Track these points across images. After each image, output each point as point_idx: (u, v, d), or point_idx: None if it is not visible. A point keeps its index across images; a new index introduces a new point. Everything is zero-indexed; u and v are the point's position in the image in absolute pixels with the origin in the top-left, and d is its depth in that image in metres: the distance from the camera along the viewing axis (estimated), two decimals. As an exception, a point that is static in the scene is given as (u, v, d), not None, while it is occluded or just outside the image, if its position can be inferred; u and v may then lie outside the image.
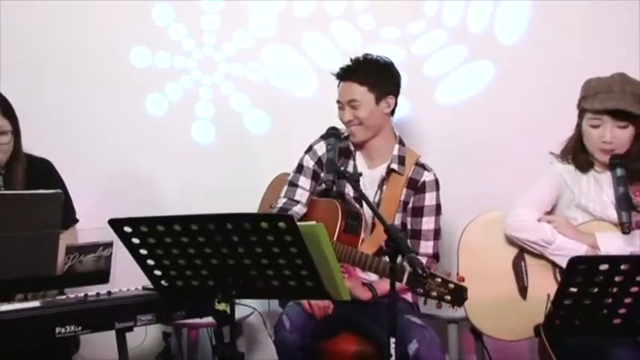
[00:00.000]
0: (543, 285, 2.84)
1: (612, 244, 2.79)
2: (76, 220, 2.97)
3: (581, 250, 2.81)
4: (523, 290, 2.93)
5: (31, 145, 2.94)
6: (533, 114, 3.59)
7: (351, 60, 3.05)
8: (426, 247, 3.02)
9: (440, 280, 2.65)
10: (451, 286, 2.64)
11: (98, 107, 3.71)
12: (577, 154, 2.93)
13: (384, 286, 2.89)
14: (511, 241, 2.96)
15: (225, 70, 3.72)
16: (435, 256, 3.04)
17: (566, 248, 2.82)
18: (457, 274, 2.86)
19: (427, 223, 3.04)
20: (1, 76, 3.51)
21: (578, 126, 2.94)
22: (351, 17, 3.67)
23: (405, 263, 2.83)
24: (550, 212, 2.97)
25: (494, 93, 3.63)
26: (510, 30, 3.62)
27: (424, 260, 2.92)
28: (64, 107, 3.69)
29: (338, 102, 3.06)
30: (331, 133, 2.95)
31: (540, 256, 2.92)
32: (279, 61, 3.71)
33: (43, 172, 2.93)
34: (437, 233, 3.06)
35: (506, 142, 3.59)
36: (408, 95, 3.63)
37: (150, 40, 3.70)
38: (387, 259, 2.57)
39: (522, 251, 2.95)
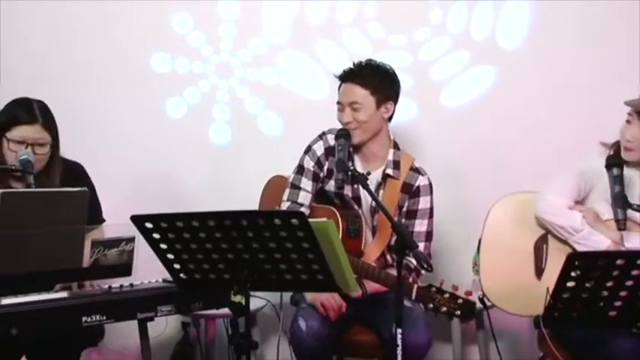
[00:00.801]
0: (559, 270, 2.82)
1: (631, 244, 2.76)
2: (103, 220, 2.98)
3: (605, 244, 2.79)
4: (539, 271, 2.91)
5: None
6: (533, 116, 3.57)
7: (354, 63, 3.02)
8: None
9: (448, 295, 2.64)
10: (460, 301, 2.63)
11: (121, 111, 3.72)
12: (618, 149, 2.87)
13: (373, 283, 2.89)
14: (538, 222, 2.93)
15: (240, 74, 3.72)
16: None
17: (591, 239, 2.81)
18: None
19: (420, 225, 3.01)
20: (30, 81, 3.54)
21: None
22: (360, 25, 3.66)
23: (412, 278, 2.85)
24: (580, 203, 2.94)
25: (496, 96, 3.61)
26: (511, 36, 3.60)
27: (414, 262, 2.85)
28: (89, 111, 3.71)
29: (338, 103, 3.01)
30: (341, 134, 2.95)
31: (563, 242, 2.89)
32: (292, 67, 3.71)
33: (76, 175, 2.94)
34: (429, 235, 3.03)
35: (508, 143, 3.58)
36: (415, 98, 3.64)
37: (170, 46, 3.71)
38: (393, 272, 2.56)
39: (547, 234, 2.93)
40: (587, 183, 2.91)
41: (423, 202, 3.02)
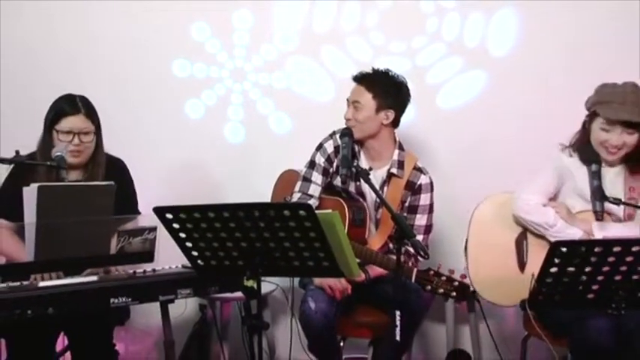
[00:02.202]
0: (540, 262, 2.81)
1: (606, 232, 2.77)
2: (139, 213, 2.99)
3: (578, 234, 2.79)
4: (522, 265, 2.92)
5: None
6: (522, 118, 3.57)
7: (372, 68, 3.03)
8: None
9: (445, 278, 2.66)
10: (455, 283, 2.65)
11: (145, 111, 3.74)
12: (583, 148, 2.87)
13: (375, 268, 2.91)
14: (517, 220, 2.94)
15: (253, 78, 3.73)
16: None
17: (564, 232, 2.81)
18: (467, 242, 2.86)
19: (420, 220, 3.02)
20: (62, 80, 3.56)
21: (586, 124, 2.87)
22: (363, 33, 3.66)
23: (412, 263, 2.86)
24: (553, 199, 2.95)
25: (487, 99, 3.61)
26: (501, 44, 3.60)
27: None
28: (115, 112, 3.69)
29: (347, 100, 3.03)
30: (345, 133, 2.95)
31: (541, 237, 2.90)
32: (300, 71, 3.72)
33: (119, 169, 2.97)
34: (427, 229, 3.04)
35: (498, 142, 3.57)
36: (412, 100, 3.59)
37: (189, 53, 3.72)
38: (394, 257, 2.58)
39: (526, 231, 2.94)
40: (560, 179, 2.91)
41: (424, 199, 3.03)
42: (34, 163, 2.77)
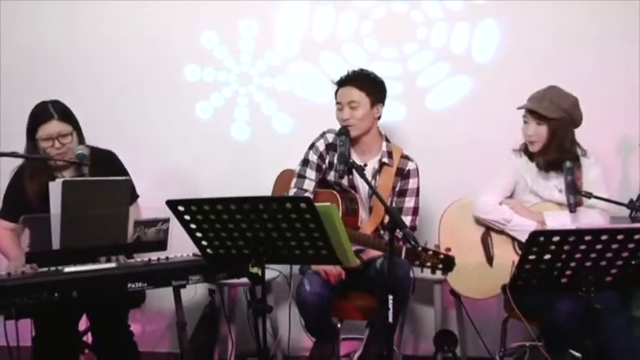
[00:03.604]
0: (506, 255, 2.90)
1: (556, 220, 2.83)
2: (138, 196, 3.01)
3: (533, 226, 2.83)
4: (490, 259, 2.95)
5: (103, 143, 2.99)
6: (503, 119, 3.54)
7: (348, 71, 3.05)
8: (406, 220, 2.99)
9: (431, 252, 2.66)
10: (441, 257, 2.65)
11: (159, 113, 3.76)
12: (527, 149, 2.96)
13: (369, 252, 2.94)
14: (477, 220, 2.99)
15: (258, 82, 3.75)
16: (413, 228, 3.02)
17: (521, 225, 2.86)
18: (439, 244, 2.88)
19: (409, 202, 3.04)
20: (86, 83, 3.62)
21: None
22: (358, 40, 3.68)
23: (401, 243, 2.88)
24: (510, 197, 3.00)
25: (472, 101, 3.63)
26: (484, 51, 3.62)
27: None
28: (131, 112, 3.76)
29: (338, 103, 3.03)
30: (342, 132, 2.96)
31: (502, 232, 2.94)
32: (301, 75, 3.73)
33: (107, 161, 2.93)
34: (415, 210, 3.06)
35: (481, 141, 3.59)
36: (404, 102, 3.66)
37: (199, 59, 3.74)
38: (385, 238, 2.57)
39: (488, 229, 2.98)
40: (514, 179, 2.97)
41: (412, 183, 3.06)
42: (58, 160, 2.80)
